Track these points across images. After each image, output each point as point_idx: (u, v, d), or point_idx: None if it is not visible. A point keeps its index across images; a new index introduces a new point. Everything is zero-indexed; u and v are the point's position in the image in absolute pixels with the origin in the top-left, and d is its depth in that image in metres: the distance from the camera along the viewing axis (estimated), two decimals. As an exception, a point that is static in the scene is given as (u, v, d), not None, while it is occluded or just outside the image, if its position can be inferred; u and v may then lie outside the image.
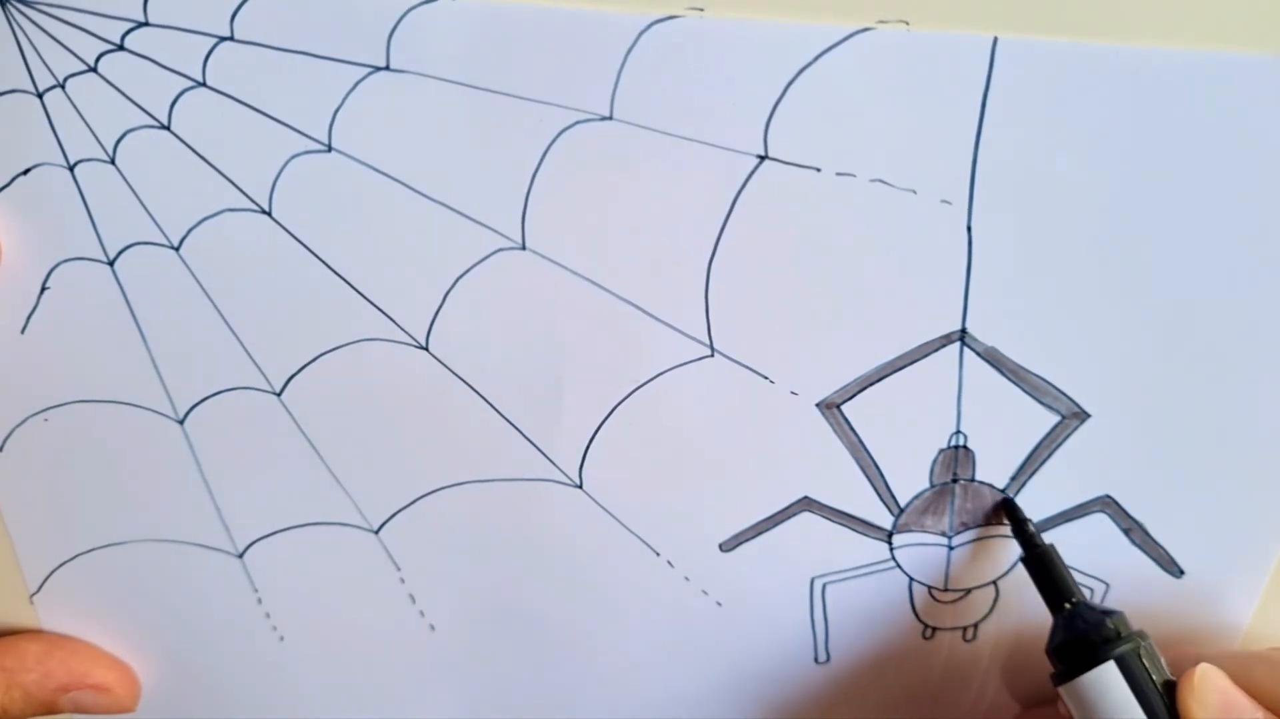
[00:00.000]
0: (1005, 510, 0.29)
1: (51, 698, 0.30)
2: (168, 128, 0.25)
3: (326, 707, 0.33)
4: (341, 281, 0.26)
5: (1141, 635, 0.27)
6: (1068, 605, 0.28)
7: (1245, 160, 0.25)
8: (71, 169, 0.25)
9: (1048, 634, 0.28)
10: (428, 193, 0.25)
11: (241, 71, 0.24)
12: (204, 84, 0.24)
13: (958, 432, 0.28)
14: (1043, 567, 0.28)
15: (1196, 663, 0.26)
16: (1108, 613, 0.27)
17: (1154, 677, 0.26)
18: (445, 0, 0.23)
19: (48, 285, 0.27)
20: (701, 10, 0.23)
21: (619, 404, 0.28)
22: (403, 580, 0.30)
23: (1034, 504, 0.29)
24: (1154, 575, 0.30)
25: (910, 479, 0.29)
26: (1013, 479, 0.29)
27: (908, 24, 0.24)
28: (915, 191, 0.25)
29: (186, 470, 0.29)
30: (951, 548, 0.30)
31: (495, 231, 0.26)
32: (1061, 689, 0.27)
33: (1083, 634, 0.27)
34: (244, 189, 0.25)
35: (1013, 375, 0.28)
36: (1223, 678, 0.25)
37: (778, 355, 0.27)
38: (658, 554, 0.30)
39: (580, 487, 0.29)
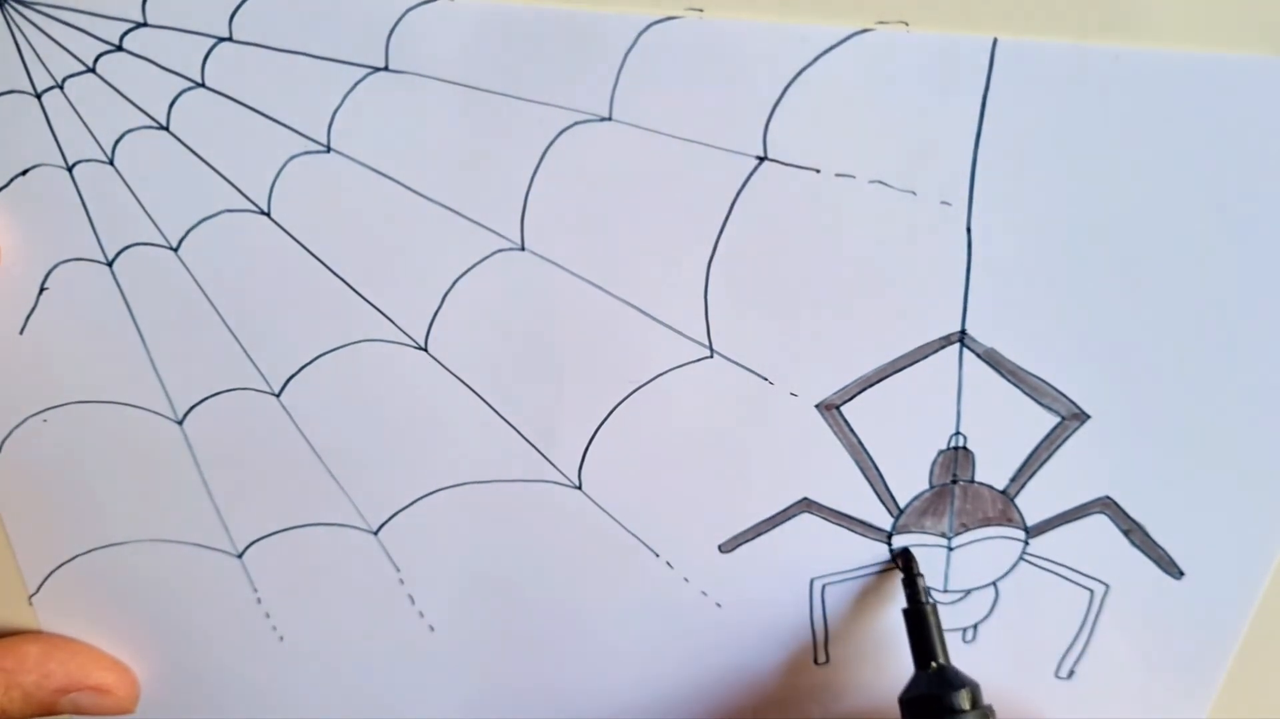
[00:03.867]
0: (901, 560, 0.30)
1: (51, 699, 0.30)
2: (166, 128, 0.25)
3: (326, 707, 0.33)
4: (340, 282, 0.26)
5: (990, 710, 0.28)
6: (933, 664, 0.28)
7: (1245, 161, 0.25)
8: (70, 170, 0.25)
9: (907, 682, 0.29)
10: (427, 193, 0.25)
11: (240, 72, 0.24)
12: (203, 84, 0.24)
13: (957, 433, 0.28)
14: (920, 623, 0.29)
15: None
16: (967, 683, 0.28)
17: None
18: (444, 1, 0.23)
19: (46, 286, 0.27)
20: (701, 11, 0.23)
21: (618, 405, 0.28)
22: (402, 581, 0.30)
23: (1034, 505, 0.29)
24: (1154, 577, 0.30)
25: (910, 480, 0.29)
26: (1012, 480, 0.29)
27: (907, 25, 0.23)
28: (915, 193, 0.25)
29: (185, 471, 0.29)
30: (951, 549, 0.30)
31: (494, 232, 0.26)
32: None
33: (937, 696, 0.28)
34: (243, 190, 0.25)
35: (1012, 376, 0.27)
36: None
37: (777, 356, 0.27)
38: (657, 555, 0.30)
39: (579, 488, 0.29)
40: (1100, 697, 0.32)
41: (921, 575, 0.29)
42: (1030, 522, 0.30)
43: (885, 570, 0.30)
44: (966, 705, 0.28)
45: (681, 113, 0.24)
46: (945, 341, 0.27)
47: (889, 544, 0.30)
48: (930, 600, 0.29)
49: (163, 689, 0.32)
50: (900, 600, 0.31)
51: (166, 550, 0.30)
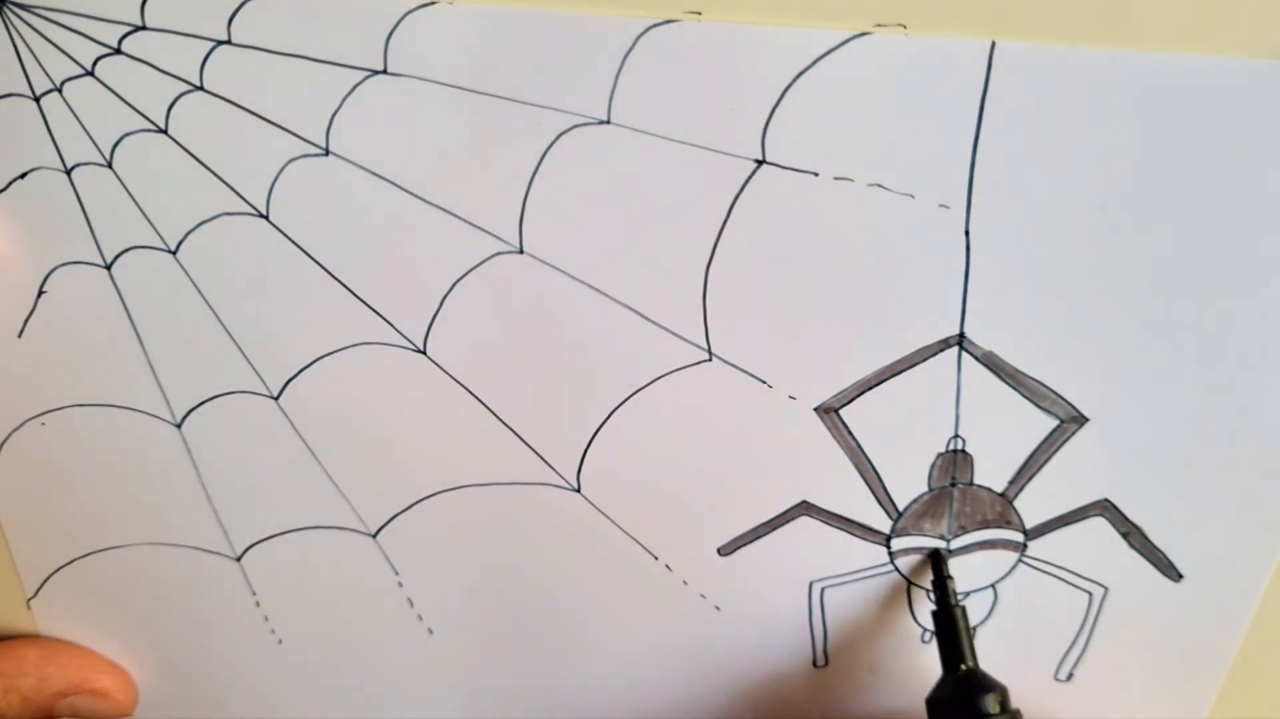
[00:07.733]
0: (931, 561, 0.30)
1: (49, 703, 0.30)
2: (165, 131, 0.25)
3: (325, 710, 0.33)
4: (339, 285, 0.26)
5: (1018, 715, 0.28)
6: (963, 667, 0.28)
7: (1243, 164, 0.25)
8: (69, 173, 0.25)
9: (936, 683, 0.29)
10: (425, 196, 0.25)
11: (239, 75, 0.24)
12: (201, 88, 0.24)
13: (956, 435, 0.28)
14: (949, 625, 0.29)
15: None
16: (996, 686, 0.28)
17: None
18: (443, 4, 0.23)
19: (45, 289, 0.27)
20: (699, 14, 0.23)
21: (617, 408, 0.28)
22: (401, 584, 0.30)
23: (1032, 508, 0.29)
24: (1153, 579, 0.30)
25: (908, 483, 0.29)
26: (1011, 483, 0.29)
27: (905, 28, 0.24)
28: (913, 196, 0.25)
29: (184, 474, 0.29)
30: (950, 551, 0.30)
31: (493, 235, 0.26)
32: None
33: (966, 699, 0.28)
34: (241, 193, 0.25)
35: (1011, 379, 0.27)
36: None
37: (776, 360, 0.27)
38: (656, 558, 0.30)
39: (578, 490, 0.29)
40: (1100, 699, 0.32)
41: (951, 578, 0.29)
42: (1029, 524, 0.30)
43: (885, 573, 0.30)
44: (995, 709, 0.27)
45: (680, 116, 0.24)
46: (944, 344, 0.27)
47: (888, 547, 0.30)
48: (960, 603, 0.29)
49: (161, 692, 0.32)
50: (897, 602, 0.31)
51: (165, 554, 0.30)
